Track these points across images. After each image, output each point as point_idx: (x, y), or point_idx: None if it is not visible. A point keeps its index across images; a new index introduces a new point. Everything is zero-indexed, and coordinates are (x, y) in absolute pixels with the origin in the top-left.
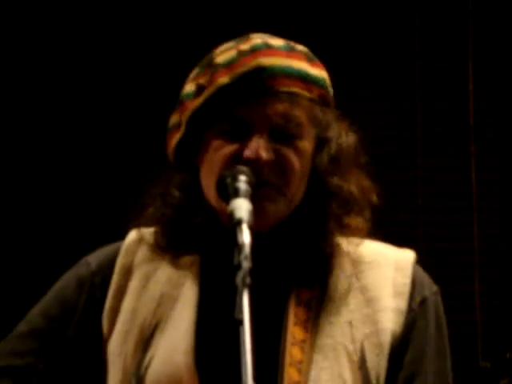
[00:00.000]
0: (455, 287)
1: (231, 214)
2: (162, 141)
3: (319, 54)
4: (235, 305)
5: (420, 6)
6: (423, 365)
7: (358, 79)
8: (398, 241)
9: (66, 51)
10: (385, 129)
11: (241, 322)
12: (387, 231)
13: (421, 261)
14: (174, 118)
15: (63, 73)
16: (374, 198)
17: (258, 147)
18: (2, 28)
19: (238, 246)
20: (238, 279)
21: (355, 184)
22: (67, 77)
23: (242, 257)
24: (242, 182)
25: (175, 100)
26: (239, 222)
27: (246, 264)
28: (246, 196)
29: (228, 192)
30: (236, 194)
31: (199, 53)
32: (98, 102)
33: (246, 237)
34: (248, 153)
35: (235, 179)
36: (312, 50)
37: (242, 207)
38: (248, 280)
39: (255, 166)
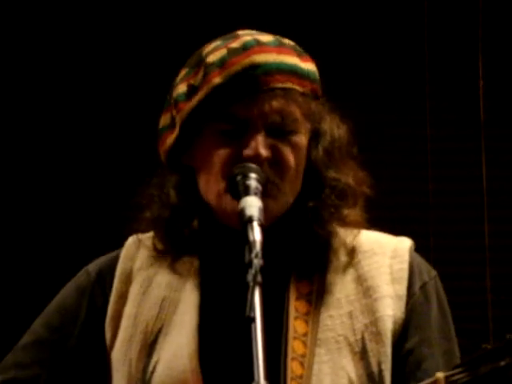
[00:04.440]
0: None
1: (242, 212)
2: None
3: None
4: (246, 302)
5: (429, 27)
6: (430, 347)
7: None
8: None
9: (65, 52)
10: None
11: (253, 320)
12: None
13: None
14: (164, 119)
15: (63, 74)
16: (368, 190)
17: (257, 145)
18: (1, 28)
19: (249, 244)
20: (250, 277)
21: (351, 175)
22: (67, 79)
23: (253, 254)
24: (253, 180)
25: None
26: (250, 220)
27: (257, 262)
28: (256, 194)
29: (238, 190)
30: (246, 191)
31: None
32: (91, 113)
33: (257, 234)
34: (248, 151)
35: (245, 177)
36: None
37: (252, 205)
38: (259, 278)
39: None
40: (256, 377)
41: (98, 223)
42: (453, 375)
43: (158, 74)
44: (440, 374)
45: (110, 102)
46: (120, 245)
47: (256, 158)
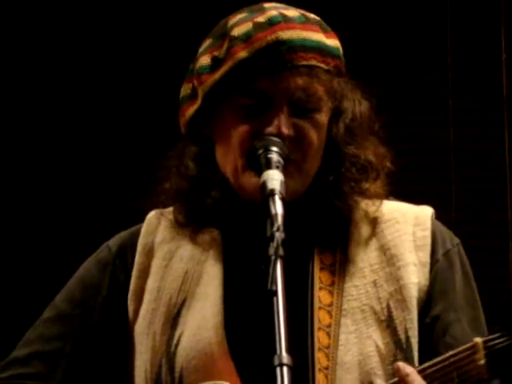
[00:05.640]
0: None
1: (263, 185)
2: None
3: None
4: (268, 276)
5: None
6: (456, 313)
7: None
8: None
9: (66, 51)
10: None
11: (275, 293)
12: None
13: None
14: (185, 89)
15: (71, 65)
16: (389, 165)
17: (280, 123)
18: (2, 28)
19: (271, 217)
20: (271, 250)
21: (371, 151)
22: (75, 67)
23: (275, 228)
24: (275, 154)
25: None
26: (272, 193)
27: (278, 235)
28: (278, 167)
29: (260, 163)
30: (268, 165)
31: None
32: (104, 89)
33: (278, 208)
34: (270, 129)
35: (267, 150)
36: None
37: (274, 178)
38: (281, 251)
39: None
40: (278, 350)
41: (119, 199)
42: (491, 340)
43: (169, 50)
44: (478, 339)
45: (125, 78)
46: (141, 220)
47: (278, 137)
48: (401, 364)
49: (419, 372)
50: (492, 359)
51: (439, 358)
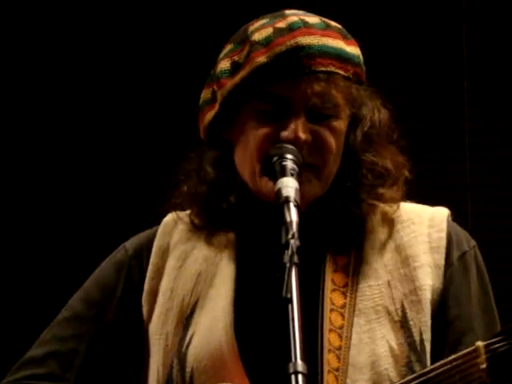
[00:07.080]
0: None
1: (278, 193)
2: (189, 122)
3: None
4: (282, 283)
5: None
6: (470, 322)
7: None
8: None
9: (83, 56)
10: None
11: (290, 301)
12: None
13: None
14: (206, 94)
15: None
16: (407, 174)
17: (297, 128)
18: (2, 28)
19: (286, 225)
20: (286, 258)
21: (389, 159)
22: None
23: (290, 235)
24: (289, 161)
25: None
26: (287, 201)
27: (293, 242)
28: (292, 175)
29: (275, 170)
30: (283, 172)
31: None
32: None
33: (293, 215)
34: (286, 134)
35: (282, 158)
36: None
37: (288, 185)
38: (296, 259)
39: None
40: (293, 358)
41: (136, 202)
42: (492, 344)
43: (182, 60)
44: (480, 343)
45: (140, 83)
46: (158, 223)
47: (295, 141)
48: None
49: (422, 375)
50: (493, 363)
51: (442, 362)
